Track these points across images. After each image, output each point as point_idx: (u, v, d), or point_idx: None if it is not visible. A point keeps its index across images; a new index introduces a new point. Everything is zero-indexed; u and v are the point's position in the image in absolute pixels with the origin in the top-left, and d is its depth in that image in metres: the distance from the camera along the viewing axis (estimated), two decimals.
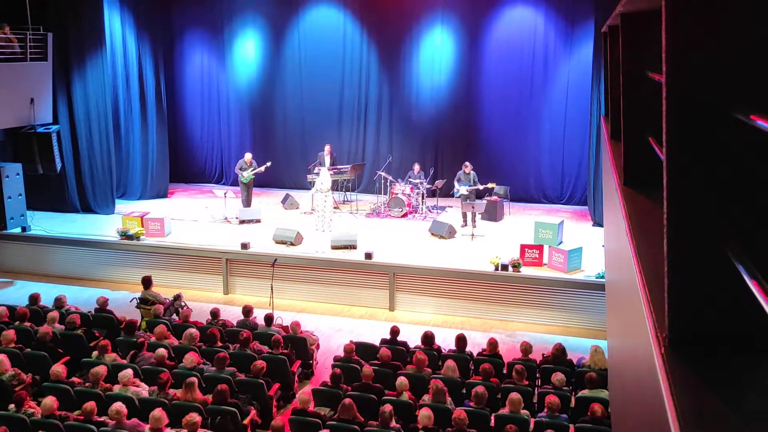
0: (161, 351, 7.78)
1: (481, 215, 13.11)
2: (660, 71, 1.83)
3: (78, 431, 6.30)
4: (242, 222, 13.48)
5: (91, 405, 6.46)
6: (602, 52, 10.54)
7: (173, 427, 6.45)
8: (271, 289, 10.37)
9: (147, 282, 9.98)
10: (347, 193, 15.54)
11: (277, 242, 12.06)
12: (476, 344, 9.34)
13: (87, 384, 7.21)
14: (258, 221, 13.55)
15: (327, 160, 14.60)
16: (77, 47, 14.09)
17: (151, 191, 15.96)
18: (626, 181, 3.69)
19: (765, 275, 1.41)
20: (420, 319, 10.87)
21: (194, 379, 6.95)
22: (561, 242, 11.69)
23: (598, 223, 13.02)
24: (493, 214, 13.66)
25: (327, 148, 14.79)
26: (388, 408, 6.32)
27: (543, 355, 8.44)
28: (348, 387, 7.28)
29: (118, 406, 6.31)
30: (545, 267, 11.00)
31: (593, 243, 11.51)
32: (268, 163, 14.14)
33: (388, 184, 14.44)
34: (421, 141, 15.94)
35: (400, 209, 13.93)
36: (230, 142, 17.31)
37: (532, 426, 6.57)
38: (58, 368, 7.31)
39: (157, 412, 6.20)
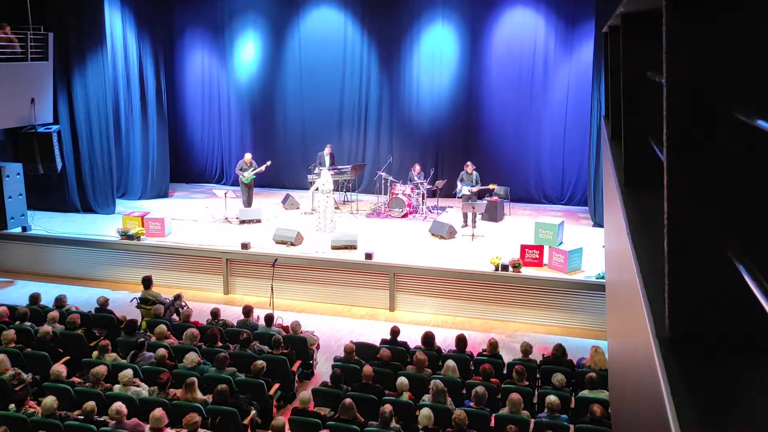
0: (161, 351, 7.79)
1: (481, 215, 13.11)
2: (660, 72, 1.83)
3: (78, 431, 6.30)
4: (242, 222, 13.49)
5: (91, 405, 6.46)
6: (602, 53, 10.53)
7: (173, 427, 6.45)
8: (272, 289, 10.37)
9: (147, 282, 9.98)
10: (348, 193, 15.54)
11: (278, 242, 12.07)
12: (476, 344, 9.34)
13: (87, 384, 7.22)
14: (258, 221, 13.55)
15: (327, 160, 14.60)
16: (78, 47, 14.10)
17: (151, 191, 15.98)
18: (626, 182, 3.69)
19: (765, 275, 1.41)
20: (420, 320, 10.87)
21: (194, 379, 6.95)
22: (561, 243, 11.69)
23: (598, 223, 13.02)
24: (493, 214, 13.67)
25: (327, 148, 14.80)
26: (388, 408, 6.32)
27: (543, 355, 8.44)
28: (348, 387, 7.28)
29: (119, 405, 6.31)
30: (545, 267, 11.00)
31: (593, 243, 11.51)
32: (268, 163, 14.15)
33: (388, 184, 14.45)
34: (422, 142, 15.95)
35: (401, 209, 13.93)
36: (231, 142, 17.32)
37: (532, 426, 6.57)
38: (59, 368, 7.31)
39: (158, 412, 6.20)
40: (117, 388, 7.10)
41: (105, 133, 14.37)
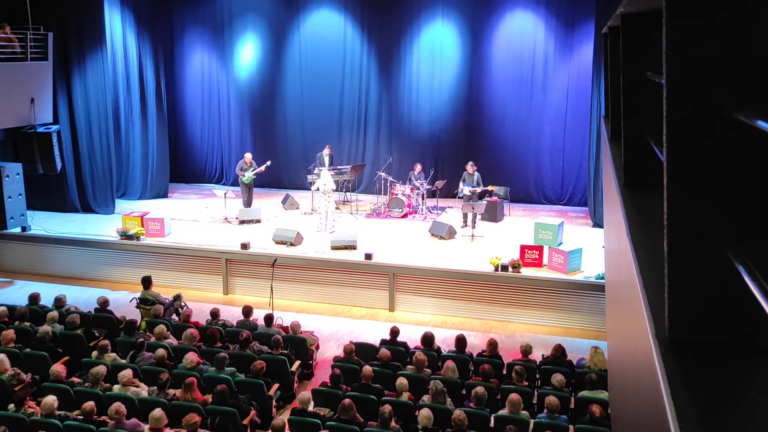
0: (161, 351, 7.78)
1: (481, 216, 13.11)
2: (661, 72, 1.83)
3: (77, 431, 6.30)
4: (242, 222, 13.49)
5: (90, 405, 6.46)
6: (602, 54, 10.54)
7: (173, 427, 6.45)
8: (271, 289, 10.37)
9: (147, 282, 9.97)
10: (347, 193, 15.54)
11: (277, 242, 12.07)
12: (476, 345, 9.34)
13: (87, 384, 7.22)
14: (258, 221, 13.55)
15: (326, 160, 14.60)
16: (78, 47, 14.10)
17: (151, 191, 15.98)
18: (626, 182, 3.69)
19: (765, 275, 1.41)
20: (420, 320, 10.87)
21: (193, 380, 6.95)
22: (561, 243, 11.69)
23: (598, 224, 13.03)
24: (493, 214, 13.67)
25: (326, 149, 14.80)
26: (387, 408, 6.32)
27: (543, 355, 8.44)
28: (348, 387, 7.28)
29: (118, 405, 6.31)
30: (545, 268, 11.00)
31: (593, 244, 11.52)
32: (268, 162, 14.15)
33: (388, 184, 14.45)
34: (421, 142, 15.95)
35: (400, 210, 13.93)
36: (230, 143, 17.32)
37: (531, 427, 6.57)
38: (58, 368, 7.31)
39: (157, 412, 6.20)
40: (116, 388, 7.10)
41: (105, 133, 14.37)
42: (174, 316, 9.65)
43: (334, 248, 11.70)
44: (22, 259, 13.00)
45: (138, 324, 8.87)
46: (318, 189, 13.12)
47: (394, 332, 8.70)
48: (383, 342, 8.68)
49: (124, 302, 10.49)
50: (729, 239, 1.64)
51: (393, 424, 6.33)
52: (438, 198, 14.82)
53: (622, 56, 3.88)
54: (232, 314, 10.09)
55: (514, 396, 6.61)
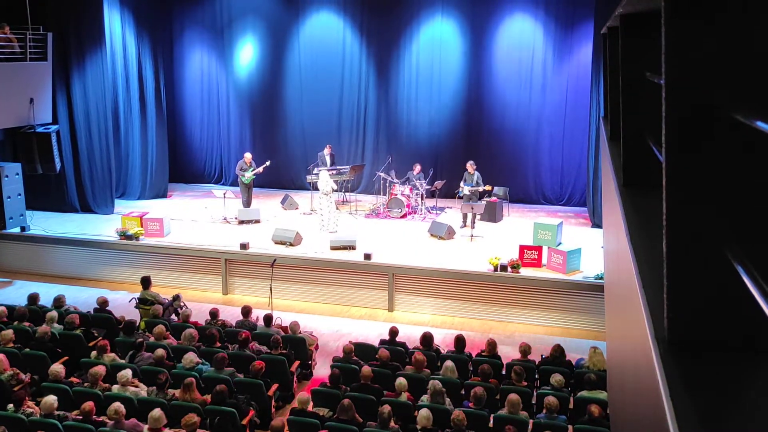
0: (160, 351, 7.78)
1: (480, 216, 13.12)
2: (659, 72, 1.83)
3: (77, 431, 6.29)
4: (241, 222, 13.48)
5: (89, 405, 6.45)
6: (601, 54, 10.54)
7: (172, 427, 6.44)
8: (270, 289, 10.37)
9: (146, 282, 9.97)
10: (347, 193, 15.54)
11: (276, 242, 12.06)
12: (475, 345, 9.34)
13: (86, 384, 7.21)
14: (257, 221, 13.55)
15: (327, 160, 14.60)
16: (77, 47, 14.09)
17: (150, 191, 15.97)
18: (625, 182, 3.69)
19: (764, 276, 1.41)
20: (419, 320, 10.87)
21: (193, 380, 6.95)
22: (560, 243, 11.69)
23: (597, 224, 13.03)
24: (492, 215, 13.68)
25: (327, 148, 14.79)
26: (386, 408, 6.32)
27: (542, 356, 8.44)
28: (347, 387, 7.28)
29: (117, 406, 6.30)
30: (544, 268, 11.00)
31: (592, 244, 11.52)
32: (268, 162, 14.15)
33: (387, 184, 14.45)
34: (421, 143, 15.95)
35: (400, 210, 13.93)
36: (230, 143, 17.32)
37: (530, 427, 6.57)
38: (57, 368, 7.30)
39: (156, 412, 6.20)
40: (115, 388, 7.10)
41: (104, 133, 14.36)
42: (173, 316, 9.65)
43: (333, 248, 11.70)
44: (21, 259, 12.99)
45: (137, 324, 8.87)
46: (324, 192, 13.11)
47: (393, 332, 8.70)
48: (382, 342, 8.68)
49: (123, 302, 10.49)
50: (728, 240, 1.64)
51: (392, 424, 6.33)
52: (437, 198, 14.82)
53: (621, 57, 3.88)
54: (231, 314, 10.09)
55: (513, 396, 6.61)
